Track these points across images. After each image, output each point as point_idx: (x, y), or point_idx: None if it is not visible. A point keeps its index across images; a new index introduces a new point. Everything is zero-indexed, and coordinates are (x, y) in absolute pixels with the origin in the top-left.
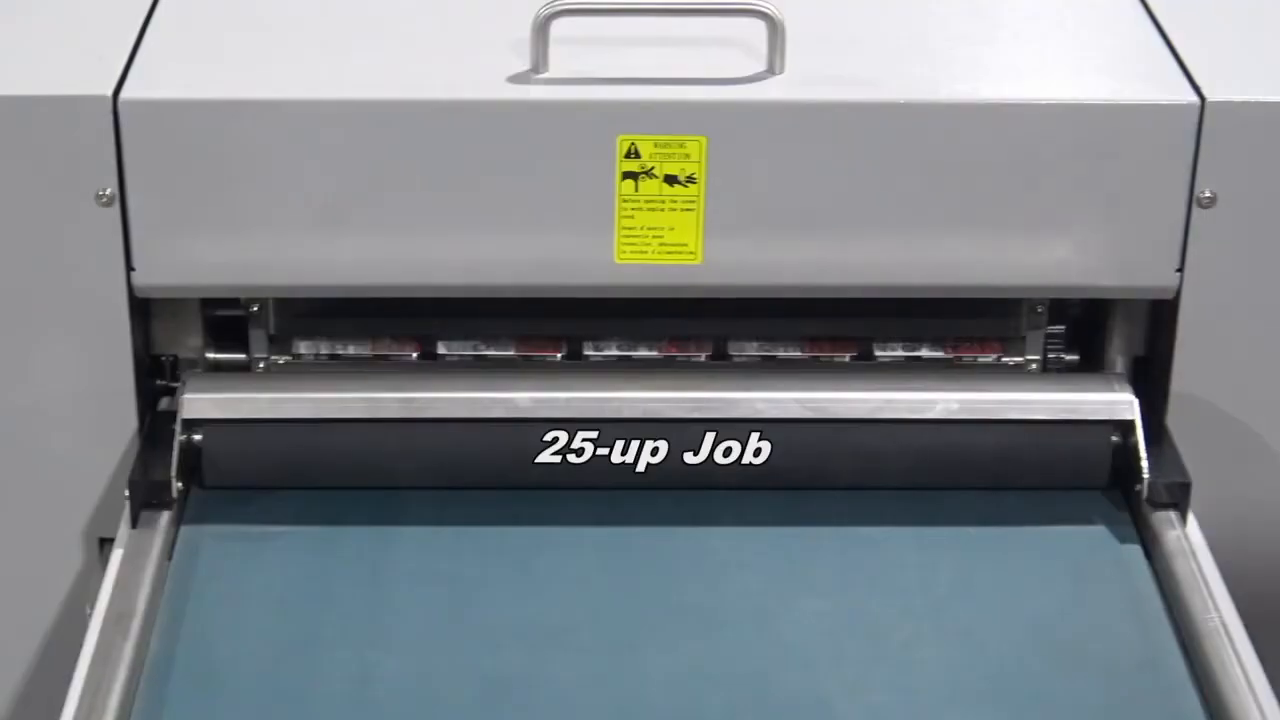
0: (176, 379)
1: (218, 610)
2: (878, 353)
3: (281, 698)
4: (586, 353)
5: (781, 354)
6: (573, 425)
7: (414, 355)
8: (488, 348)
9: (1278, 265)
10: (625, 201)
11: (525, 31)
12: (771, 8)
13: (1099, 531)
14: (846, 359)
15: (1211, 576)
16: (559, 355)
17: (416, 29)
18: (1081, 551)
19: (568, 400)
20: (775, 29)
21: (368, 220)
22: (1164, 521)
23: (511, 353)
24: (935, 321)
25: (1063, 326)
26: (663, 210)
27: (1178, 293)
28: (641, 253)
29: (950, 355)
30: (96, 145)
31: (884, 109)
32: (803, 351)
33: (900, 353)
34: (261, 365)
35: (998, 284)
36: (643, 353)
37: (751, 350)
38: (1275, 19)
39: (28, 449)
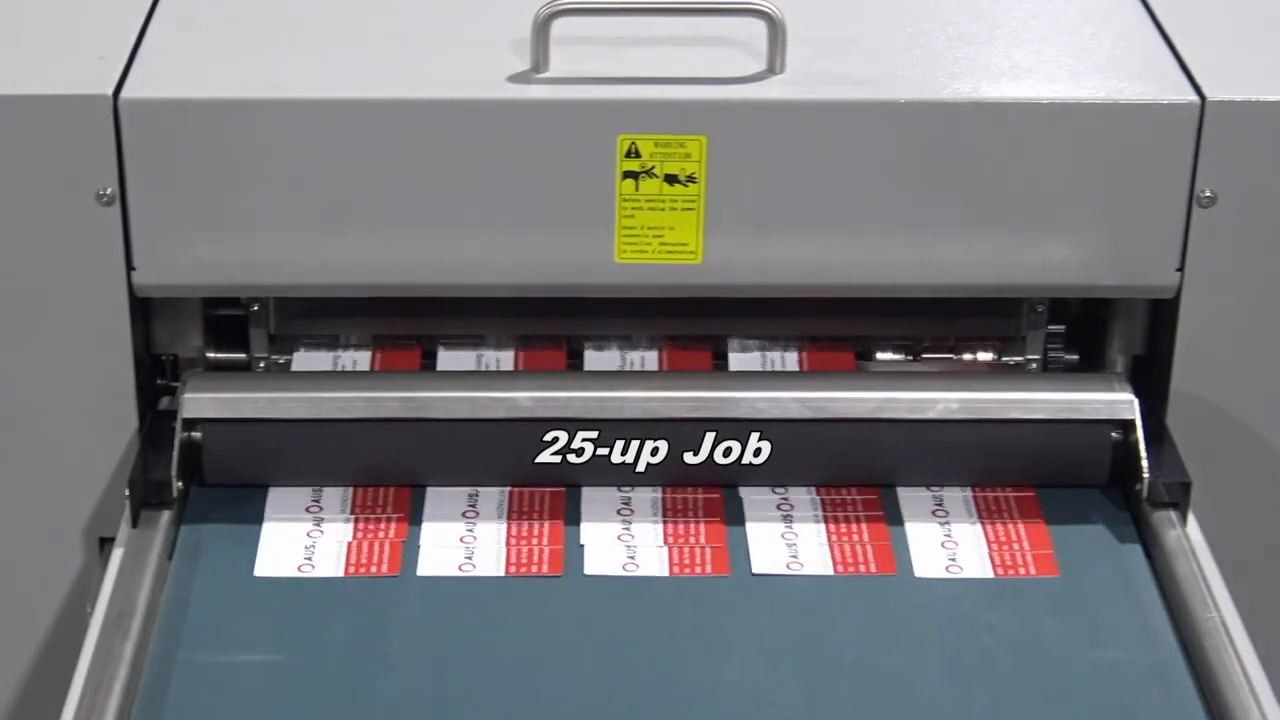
0: (177, 379)
1: (218, 609)
2: (878, 353)
3: (282, 697)
4: (587, 353)
5: (780, 355)
6: (573, 425)
7: (414, 355)
8: (488, 348)
9: (1278, 265)
10: (625, 201)
11: (525, 31)
12: (771, 8)
13: (1098, 531)
14: (846, 358)
15: (1211, 576)
16: (559, 355)
17: (416, 29)
18: (1081, 551)
19: (568, 400)
20: (775, 29)
21: (368, 220)
22: (1164, 521)
23: (512, 352)
24: (935, 321)
25: (1063, 326)
26: (663, 210)
27: (1178, 292)
28: (641, 252)
29: (950, 355)
30: (97, 145)
31: (884, 109)
32: (802, 351)
33: (900, 353)
34: (261, 365)
35: (998, 284)
36: (643, 352)
37: (751, 350)
38: (1275, 19)
39: (28, 449)
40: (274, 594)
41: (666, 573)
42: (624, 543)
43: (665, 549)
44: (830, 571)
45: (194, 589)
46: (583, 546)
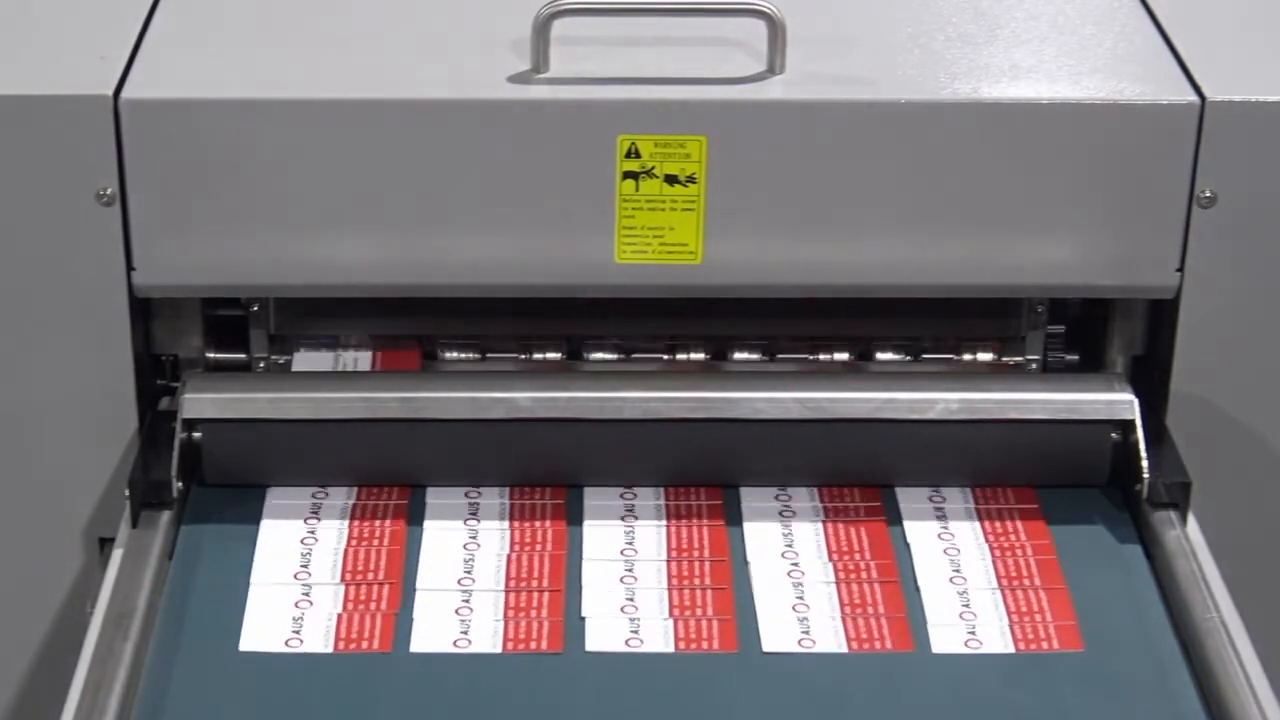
0: (176, 379)
1: (201, 689)
2: (878, 353)
3: (282, 697)
4: (586, 353)
5: (782, 354)
6: (573, 425)
7: (414, 355)
8: (488, 348)
9: (1278, 265)
10: (625, 201)
11: (525, 31)
12: (771, 8)
13: (1099, 531)
14: (846, 359)
15: (1211, 576)
16: (559, 355)
17: (416, 29)
18: (1081, 551)
19: (568, 400)
20: (775, 29)
21: (368, 220)
22: (1164, 521)
23: (511, 353)
24: (935, 321)
25: (1063, 326)
26: (663, 210)
27: (1178, 293)
28: (642, 253)
29: (950, 355)
30: (97, 145)
31: (884, 109)
32: (803, 352)
33: (900, 353)
34: (261, 365)
35: (998, 284)
36: (643, 353)
37: (751, 350)
38: (1275, 19)
39: (28, 449)
40: (259, 672)
41: (672, 649)
42: (628, 615)
43: (670, 621)
44: (844, 649)
45: (177, 663)
46: (584, 619)
